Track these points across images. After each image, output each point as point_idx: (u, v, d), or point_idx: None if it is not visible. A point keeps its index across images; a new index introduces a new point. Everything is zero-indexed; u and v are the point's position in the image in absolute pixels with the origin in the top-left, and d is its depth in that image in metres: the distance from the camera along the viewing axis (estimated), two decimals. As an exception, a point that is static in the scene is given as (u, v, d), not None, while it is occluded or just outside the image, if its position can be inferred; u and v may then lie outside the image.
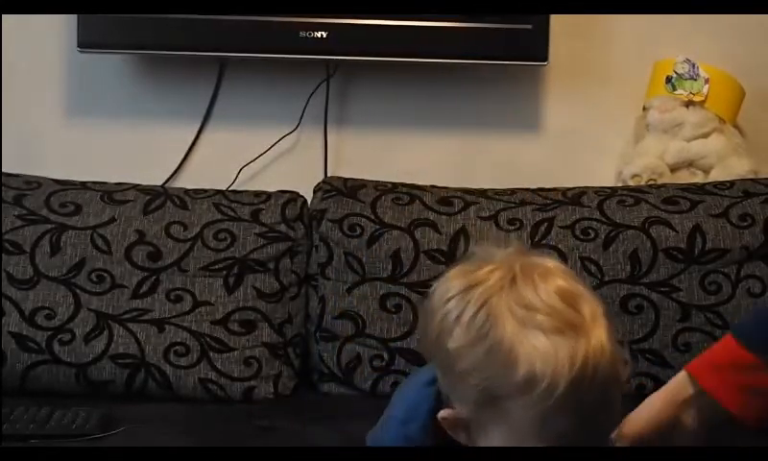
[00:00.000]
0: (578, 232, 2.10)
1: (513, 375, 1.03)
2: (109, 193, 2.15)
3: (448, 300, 1.10)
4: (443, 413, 1.12)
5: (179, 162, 2.43)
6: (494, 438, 1.07)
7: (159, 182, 2.34)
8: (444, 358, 1.09)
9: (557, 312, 1.05)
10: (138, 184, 2.20)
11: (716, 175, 2.29)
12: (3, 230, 2.06)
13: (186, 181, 2.38)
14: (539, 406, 1.03)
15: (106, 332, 2.02)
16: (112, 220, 2.09)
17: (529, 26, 2.26)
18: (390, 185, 2.20)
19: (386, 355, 2.06)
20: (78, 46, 2.28)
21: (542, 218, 2.12)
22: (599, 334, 1.05)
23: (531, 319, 1.04)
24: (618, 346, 1.07)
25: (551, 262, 1.12)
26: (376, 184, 2.20)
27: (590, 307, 1.07)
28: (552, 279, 1.08)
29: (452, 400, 1.11)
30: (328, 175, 2.38)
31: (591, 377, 1.02)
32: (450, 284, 1.12)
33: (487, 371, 1.05)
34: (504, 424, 1.06)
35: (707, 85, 2.31)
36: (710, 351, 1.46)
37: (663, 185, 2.24)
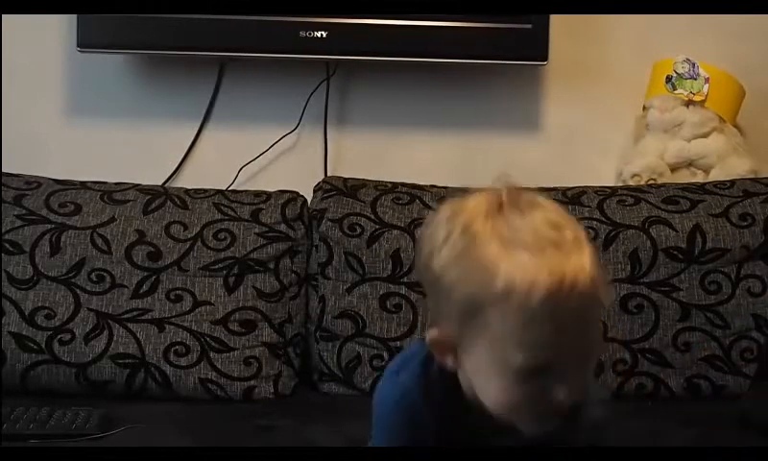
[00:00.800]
0: (578, 232, 2.10)
1: (492, 285, 1.07)
2: (109, 193, 2.15)
3: (437, 224, 1.15)
4: (431, 333, 1.15)
5: (178, 162, 2.43)
6: (478, 353, 1.11)
7: (159, 182, 2.34)
8: (432, 278, 1.13)
9: (540, 234, 1.08)
10: (138, 184, 2.20)
11: (716, 174, 2.29)
12: (3, 230, 2.06)
13: (186, 181, 2.37)
14: (517, 315, 1.06)
15: (105, 332, 2.02)
16: (112, 220, 2.09)
17: (529, 26, 2.26)
18: (390, 185, 2.20)
19: (386, 355, 2.05)
20: (78, 46, 2.28)
21: (542, 218, 2.11)
22: (580, 255, 1.09)
23: (513, 238, 1.08)
24: (600, 270, 1.10)
25: (539, 195, 1.15)
26: (376, 184, 2.20)
27: (574, 232, 1.11)
28: (538, 207, 1.12)
29: (440, 321, 1.14)
30: (328, 174, 2.38)
31: (569, 291, 1.05)
32: (440, 212, 1.16)
33: (469, 284, 1.09)
34: (486, 336, 1.09)
35: (707, 85, 2.31)
36: None
37: (663, 185, 2.24)
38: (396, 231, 2.10)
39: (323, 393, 2.10)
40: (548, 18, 2.26)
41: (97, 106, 2.44)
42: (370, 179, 2.22)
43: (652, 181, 2.28)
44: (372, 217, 2.12)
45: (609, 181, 2.36)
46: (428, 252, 1.14)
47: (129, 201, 2.13)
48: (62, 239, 2.06)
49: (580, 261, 1.08)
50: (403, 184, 2.20)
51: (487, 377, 1.12)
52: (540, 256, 1.07)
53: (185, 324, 2.04)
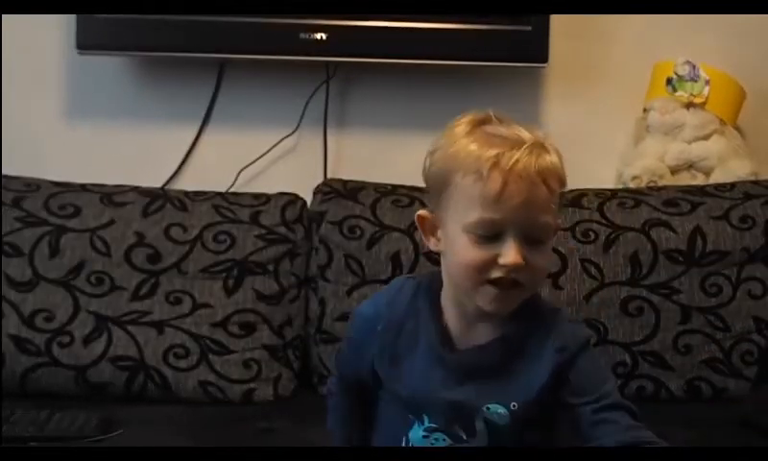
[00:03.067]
0: (578, 234, 2.10)
1: (459, 160, 1.31)
2: (109, 195, 2.15)
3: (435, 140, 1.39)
4: (419, 212, 1.38)
5: (178, 164, 2.42)
6: (449, 220, 1.33)
7: (159, 184, 2.34)
8: (425, 175, 1.37)
9: (505, 136, 1.32)
10: (138, 186, 2.20)
11: (717, 177, 2.29)
12: (2, 233, 2.06)
13: (186, 184, 2.37)
14: (478, 181, 1.29)
15: (105, 334, 2.02)
16: (112, 222, 2.09)
17: (529, 27, 2.25)
18: (389, 187, 2.20)
19: (386, 357, 2.05)
20: (77, 48, 2.28)
21: (543, 220, 2.11)
22: (533, 147, 1.30)
23: (481, 134, 1.33)
24: (558, 169, 1.33)
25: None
26: (376, 186, 2.20)
27: (540, 138, 1.33)
28: (516, 125, 1.34)
29: (428, 207, 1.38)
30: (328, 177, 2.38)
31: (512, 165, 1.28)
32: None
33: (443, 163, 1.34)
34: (452, 201, 1.32)
35: (707, 87, 2.31)
36: None
37: (664, 187, 2.23)
38: (395, 234, 2.10)
39: (322, 395, 2.09)
40: (548, 20, 2.26)
41: (96, 108, 2.44)
42: (369, 181, 2.22)
43: (652, 184, 2.28)
44: (372, 219, 2.12)
45: (609, 183, 2.36)
46: (426, 156, 1.37)
47: (128, 203, 2.13)
48: (62, 241, 2.06)
49: (535, 152, 1.30)
50: (403, 187, 2.20)
51: (453, 240, 1.32)
52: (497, 142, 1.31)
53: (185, 326, 2.04)
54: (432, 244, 1.38)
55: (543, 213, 1.30)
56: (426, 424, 1.37)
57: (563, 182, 1.34)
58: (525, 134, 1.33)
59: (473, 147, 1.31)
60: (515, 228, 1.29)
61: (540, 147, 1.32)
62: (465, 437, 1.35)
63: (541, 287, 1.43)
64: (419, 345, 1.38)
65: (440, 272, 1.40)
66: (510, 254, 1.29)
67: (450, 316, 1.38)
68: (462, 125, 1.35)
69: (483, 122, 1.35)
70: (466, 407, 1.35)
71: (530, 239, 1.30)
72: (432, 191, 1.36)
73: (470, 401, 1.35)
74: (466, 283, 1.33)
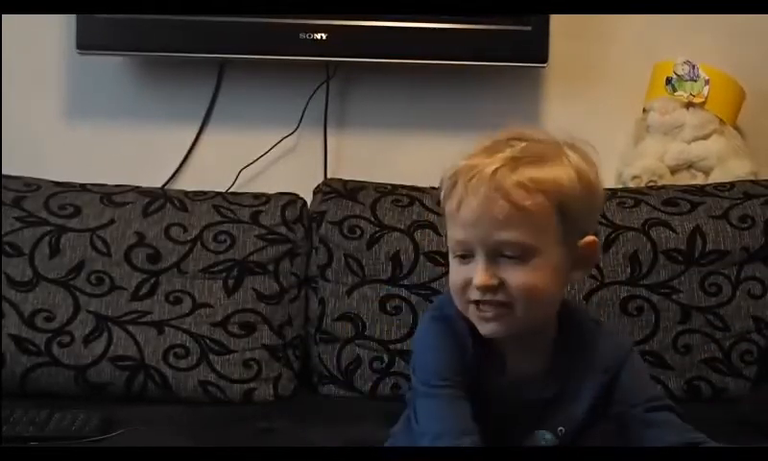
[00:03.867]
0: (578, 234, 2.10)
1: (442, 187, 1.34)
2: (109, 195, 2.15)
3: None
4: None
5: (178, 164, 2.43)
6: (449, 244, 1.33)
7: (159, 184, 2.34)
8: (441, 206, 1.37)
9: (489, 152, 1.30)
10: (138, 186, 2.20)
11: (716, 176, 2.29)
12: (2, 232, 2.06)
13: (186, 183, 2.38)
14: (446, 200, 1.31)
15: (105, 334, 2.02)
16: (112, 222, 2.09)
17: (528, 28, 2.26)
18: (390, 187, 2.20)
19: (386, 357, 2.05)
20: (77, 48, 2.28)
21: (542, 220, 2.11)
22: (512, 163, 1.27)
23: (471, 153, 1.32)
24: (541, 180, 1.28)
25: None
26: (376, 186, 2.20)
27: (518, 152, 1.30)
28: (527, 142, 1.33)
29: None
30: (328, 177, 2.38)
31: (474, 186, 1.27)
32: None
33: (441, 187, 1.34)
34: (449, 223, 1.32)
35: (707, 87, 2.31)
36: None
37: (663, 187, 2.24)
38: (395, 234, 2.10)
39: (322, 395, 2.10)
40: (548, 20, 2.26)
41: (96, 108, 2.44)
42: (369, 181, 2.22)
43: (652, 183, 2.28)
44: (372, 219, 2.12)
45: (609, 182, 2.36)
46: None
47: (128, 203, 2.13)
48: (62, 241, 2.06)
49: (498, 164, 1.27)
50: (403, 186, 2.20)
51: (450, 263, 1.33)
52: (474, 159, 1.30)
53: (185, 326, 2.04)
54: (456, 270, 1.36)
55: (508, 229, 1.27)
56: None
57: (551, 197, 1.28)
58: (510, 150, 1.29)
59: (451, 165, 1.32)
60: (481, 246, 1.28)
61: (514, 161, 1.28)
62: None
63: (549, 308, 1.35)
64: (488, 378, 1.35)
65: None
66: (477, 274, 1.28)
67: (497, 343, 1.35)
68: (475, 147, 1.33)
69: (484, 145, 1.33)
70: (518, 438, 1.35)
71: (504, 257, 1.28)
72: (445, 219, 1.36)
73: (521, 432, 1.34)
74: (458, 306, 1.33)
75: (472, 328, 1.33)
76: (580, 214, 1.31)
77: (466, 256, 1.29)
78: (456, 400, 1.32)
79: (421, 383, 1.34)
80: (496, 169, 1.27)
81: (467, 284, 1.29)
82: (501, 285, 1.27)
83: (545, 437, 1.34)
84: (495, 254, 1.27)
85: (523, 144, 1.31)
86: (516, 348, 1.34)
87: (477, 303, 1.29)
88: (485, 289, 1.27)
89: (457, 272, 1.31)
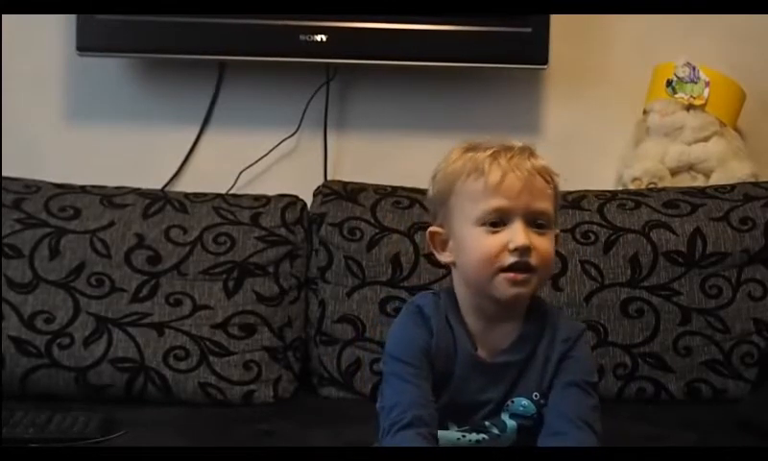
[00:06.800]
0: (578, 236, 2.10)
1: (458, 169, 1.46)
2: (109, 197, 2.15)
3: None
4: (431, 227, 1.49)
5: (178, 166, 2.43)
6: (456, 226, 1.44)
7: (159, 186, 2.34)
8: (429, 200, 1.53)
9: (495, 145, 1.45)
10: (138, 188, 2.20)
11: (717, 178, 2.29)
12: (2, 234, 2.06)
13: (186, 185, 2.37)
14: (480, 177, 1.42)
15: (105, 336, 2.02)
16: (112, 224, 2.09)
17: (529, 29, 2.26)
18: (390, 189, 2.20)
19: (386, 359, 2.05)
20: (77, 49, 2.28)
21: (543, 221, 2.11)
22: (527, 151, 1.44)
23: (475, 148, 1.46)
24: (548, 168, 1.45)
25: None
26: (376, 188, 2.20)
27: (517, 154, 1.44)
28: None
29: (435, 222, 1.49)
30: (328, 178, 2.38)
31: (515, 164, 1.42)
32: None
33: (443, 180, 1.47)
34: (461, 200, 1.44)
35: (707, 89, 2.31)
36: None
37: (664, 189, 2.23)
38: (395, 235, 2.10)
39: (322, 397, 2.10)
40: (548, 22, 2.26)
41: (96, 109, 2.44)
42: (369, 182, 2.22)
43: (652, 185, 2.28)
44: (372, 221, 2.12)
45: (609, 184, 2.36)
46: (429, 185, 1.52)
47: (128, 205, 2.13)
48: (62, 243, 2.06)
49: (520, 151, 1.44)
50: (403, 188, 2.20)
51: (465, 239, 1.43)
52: (489, 149, 1.45)
53: (185, 328, 2.04)
54: (445, 257, 1.49)
55: (543, 200, 1.43)
56: (461, 425, 1.48)
57: (555, 183, 1.46)
58: (515, 143, 1.46)
59: (469, 155, 1.45)
60: (519, 213, 1.41)
61: (529, 150, 1.46)
62: (497, 432, 1.47)
63: (548, 279, 1.55)
64: (457, 355, 1.47)
65: (451, 288, 1.50)
66: (519, 236, 1.40)
67: (471, 323, 1.48)
68: (456, 149, 1.49)
69: (474, 144, 1.48)
70: (497, 405, 1.46)
71: (534, 225, 1.42)
72: (437, 208, 1.49)
73: (500, 399, 1.46)
74: (481, 277, 1.43)
75: (447, 318, 1.47)
76: (558, 204, 1.48)
77: (497, 225, 1.41)
78: (416, 378, 1.44)
79: (387, 364, 1.48)
80: (530, 154, 1.44)
81: (501, 250, 1.40)
82: (532, 249, 1.41)
83: (522, 403, 1.46)
84: (529, 223, 1.41)
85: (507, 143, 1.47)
86: (491, 325, 1.48)
87: (509, 268, 1.40)
88: (524, 250, 1.40)
89: (487, 240, 1.41)
